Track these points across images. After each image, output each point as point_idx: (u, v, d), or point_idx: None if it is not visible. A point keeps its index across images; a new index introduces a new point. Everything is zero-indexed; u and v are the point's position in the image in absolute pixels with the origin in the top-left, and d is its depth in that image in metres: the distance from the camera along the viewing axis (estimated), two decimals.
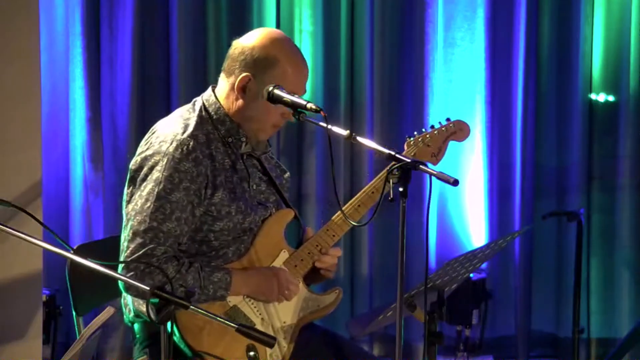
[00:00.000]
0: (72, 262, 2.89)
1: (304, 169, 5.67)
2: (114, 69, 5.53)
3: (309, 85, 5.66)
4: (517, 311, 5.69)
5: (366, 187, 3.37)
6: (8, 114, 3.92)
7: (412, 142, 3.44)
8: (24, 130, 3.95)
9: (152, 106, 5.59)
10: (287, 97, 3.14)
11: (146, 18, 5.53)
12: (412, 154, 3.41)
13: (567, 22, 5.67)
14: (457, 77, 5.71)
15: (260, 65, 3.24)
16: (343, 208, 3.33)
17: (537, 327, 5.78)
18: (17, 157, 3.94)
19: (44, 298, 4.73)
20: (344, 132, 3.04)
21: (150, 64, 5.57)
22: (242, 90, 3.26)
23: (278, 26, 5.52)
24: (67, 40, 5.49)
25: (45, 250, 2.67)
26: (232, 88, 3.28)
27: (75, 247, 3.18)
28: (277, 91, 3.16)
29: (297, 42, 5.60)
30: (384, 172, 3.29)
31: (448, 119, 3.49)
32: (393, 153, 2.97)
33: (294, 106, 3.13)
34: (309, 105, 3.08)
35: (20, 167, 3.94)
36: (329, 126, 3.04)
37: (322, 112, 3.03)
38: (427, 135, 3.45)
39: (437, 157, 3.45)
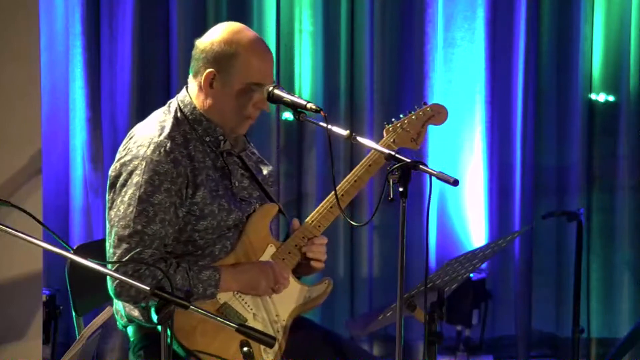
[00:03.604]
0: (72, 262, 2.89)
1: (304, 169, 5.67)
2: (114, 69, 5.53)
3: (309, 85, 5.71)
4: (517, 311, 5.69)
5: (349, 176, 3.38)
6: (8, 114, 3.92)
7: (390, 129, 3.44)
8: (24, 130, 3.95)
9: (152, 106, 5.53)
10: (287, 97, 3.15)
11: (146, 18, 5.53)
12: (392, 140, 3.41)
13: (567, 22, 5.67)
14: (457, 77, 5.70)
15: (221, 59, 3.24)
16: (327, 198, 3.32)
17: (537, 327, 5.78)
18: (17, 157, 3.94)
19: (44, 298, 4.73)
20: (344, 132, 3.04)
21: (150, 64, 5.57)
22: (210, 86, 3.26)
23: (278, 26, 5.52)
24: (67, 40, 5.48)
25: (45, 250, 2.67)
26: (200, 87, 3.29)
27: (75, 247, 3.18)
28: (277, 91, 3.18)
29: (297, 42, 5.61)
30: (365, 160, 3.31)
31: (425, 103, 3.49)
32: (393, 153, 2.98)
33: (294, 106, 3.13)
34: (309, 105, 3.09)
35: (20, 167, 3.93)
36: (329, 126, 3.05)
37: (322, 112, 3.04)
38: (405, 121, 3.45)
39: (416, 141, 3.45)
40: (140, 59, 5.53)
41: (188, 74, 5.64)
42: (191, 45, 5.51)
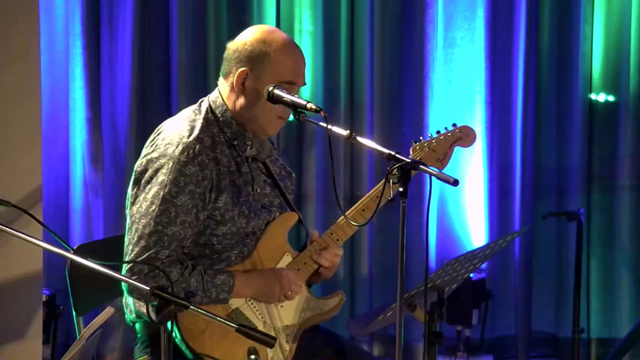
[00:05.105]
0: (72, 262, 2.89)
1: (304, 169, 5.67)
2: (114, 69, 5.53)
3: (309, 85, 5.71)
4: (517, 311, 5.69)
5: (371, 191, 3.37)
6: (8, 114, 3.92)
7: (417, 147, 3.43)
8: (24, 131, 3.95)
9: (152, 106, 5.59)
10: (287, 97, 3.15)
11: (146, 18, 5.53)
12: (418, 159, 3.39)
13: (567, 22, 5.67)
14: (457, 77, 5.71)
15: (254, 58, 3.24)
16: (347, 212, 3.32)
17: (537, 327, 5.78)
18: (17, 158, 3.94)
19: (44, 298, 4.73)
20: (344, 132, 3.04)
21: (150, 64, 5.58)
22: (242, 85, 3.26)
23: (278, 26, 5.52)
24: (67, 40, 5.49)
25: (45, 250, 2.67)
26: (232, 88, 3.28)
27: (75, 247, 3.18)
28: (277, 91, 3.17)
29: (297, 42, 5.60)
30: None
31: (454, 125, 3.48)
32: (393, 153, 2.98)
33: (294, 106, 3.13)
34: (309, 105, 3.09)
35: (21, 167, 3.93)
36: (329, 126, 3.04)
37: (322, 112, 3.04)
38: (433, 141, 3.44)
39: (442, 162, 3.45)
40: (140, 59, 5.53)
41: (188, 73, 5.67)
42: (191, 45, 5.57)
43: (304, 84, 3.30)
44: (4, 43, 3.90)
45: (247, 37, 3.28)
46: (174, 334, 3.16)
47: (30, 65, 3.95)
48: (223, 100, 3.30)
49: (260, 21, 5.57)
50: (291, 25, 5.62)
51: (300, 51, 3.32)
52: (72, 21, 5.47)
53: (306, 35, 5.64)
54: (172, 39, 5.54)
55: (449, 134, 3.46)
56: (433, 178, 2.95)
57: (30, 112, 3.97)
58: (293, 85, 3.24)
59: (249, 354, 2.76)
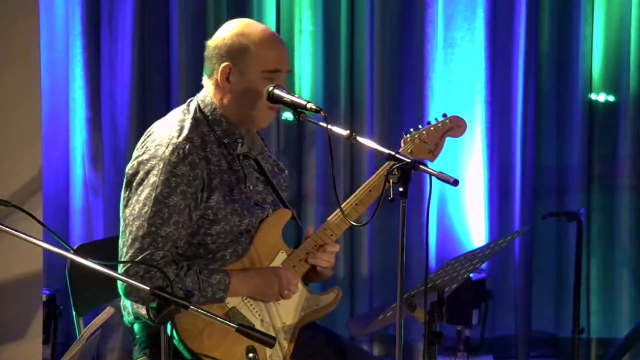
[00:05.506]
0: (72, 262, 2.89)
1: (304, 168, 5.67)
2: (114, 69, 5.53)
3: (308, 85, 5.71)
4: (517, 311, 5.69)
5: (363, 185, 3.36)
6: (8, 114, 3.92)
7: (408, 139, 3.42)
8: (24, 131, 3.95)
9: (152, 106, 5.59)
10: (287, 97, 3.15)
11: (146, 18, 5.53)
12: (409, 150, 3.39)
13: (567, 22, 5.67)
14: (457, 77, 5.71)
15: (235, 52, 3.24)
16: (341, 206, 3.32)
17: (537, 327, 5.78)
18: (17, 157, 3.94)
19: (44, 298, 4.73)
20: (344, 132, 3.04)
21: (150, 64, 5.58)
22: (227, 80, 3.26)
23: (278, 26, 5.53)
24: (67, 40, 5.49)
25: (45, 250, 2.67)
26: (217, 85, 3.28)
27: (75, 247, 3.18)
28: (277, 91, 3.17)
29: (297, 42, 5.61)
30: (381, 170, 3.29)
31: (444, 115, 3.48)
32: (393, 153, 2.98)
33: (294, 106, 3.13)
34: (309, 105, 3.09)
35: (20, 167, 3.93)
36: (329, 126, 3.05)
37: (322, 112, 3.04)
38: (424, 132, 3.43)
39: (434, 153, 3.43)
40: (140, 59, 5.53)
41: (188, 73, 5.67)
42: (191, 45, 5.57)
43: (289, 69, 3.30)
44: (4, 43, 3.90)
45: (225, 33, 3.29)
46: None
47: (30, 65, 3.95)
48: (211, 98, 3.30)
49: (260, 21, 5.54)
50: (291, 25, 5.62)
51: (280, 39, 3.33)
52: (72, 21, 5.47)
53: (306, 35, 5.63)
54: (172, 39, 5.54)
55: (439, 125, 3.45)
56: (433, 178, 2.95)
57: (30, 112, 3.97)
58: (278, 72, 3.24)
59: (248, 352, 2.76)
